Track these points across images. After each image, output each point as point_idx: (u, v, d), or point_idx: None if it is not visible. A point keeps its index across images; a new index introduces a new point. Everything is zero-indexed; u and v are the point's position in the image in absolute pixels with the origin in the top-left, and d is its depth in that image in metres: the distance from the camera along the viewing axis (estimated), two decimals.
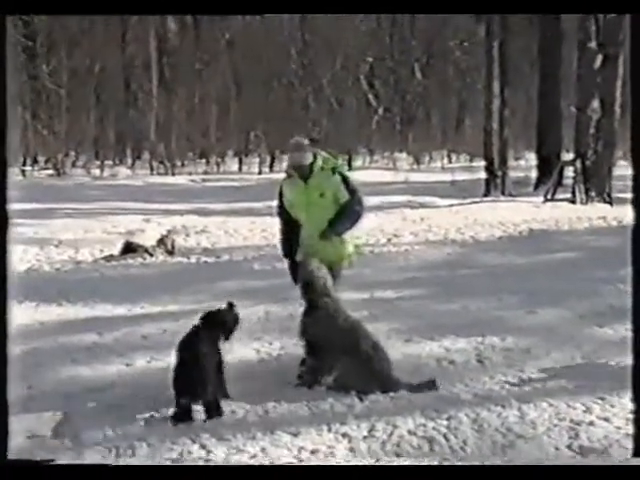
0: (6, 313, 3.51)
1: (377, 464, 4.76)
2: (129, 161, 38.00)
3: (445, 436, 5.18)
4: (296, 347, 7.23)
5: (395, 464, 4.75)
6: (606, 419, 5.40)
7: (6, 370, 3.48)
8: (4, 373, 3.48)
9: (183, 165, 35.58)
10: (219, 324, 5.87)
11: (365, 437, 5.18)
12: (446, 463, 4.76)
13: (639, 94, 3.74)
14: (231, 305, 6.01)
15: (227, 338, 5.91)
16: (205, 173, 33.74)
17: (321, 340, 6.14)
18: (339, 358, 6.03)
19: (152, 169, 34.40)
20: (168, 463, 4.77)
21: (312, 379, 6.14)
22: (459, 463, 4.74)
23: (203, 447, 5.01)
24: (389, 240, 13.46)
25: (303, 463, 4.78)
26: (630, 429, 5.20)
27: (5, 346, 3.48)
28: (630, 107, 3.82)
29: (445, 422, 5.39)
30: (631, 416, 5.41)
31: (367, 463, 4.78)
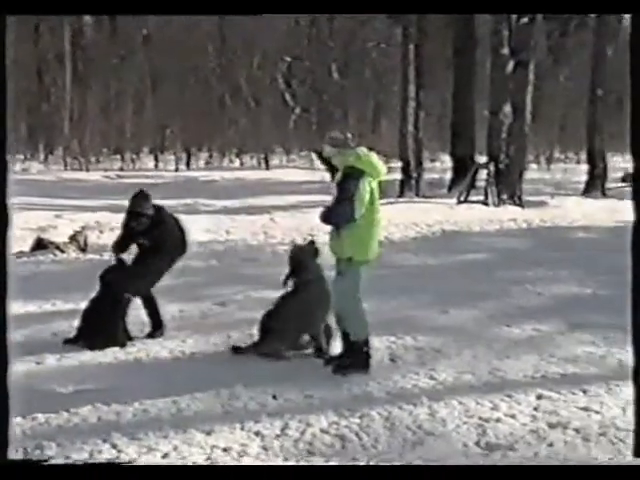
0: (6, 314, 3.43)
1: (315, 464, 4.77)
2: (41, 156, 37.21)
3: (357, 434, 5.24)
4: (208, 345, 7.24)
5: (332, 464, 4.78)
6: (512, 416, 5.54)
7: (6, 370, 3.41)
8: (4, 373, 3.40)
9: (98, 161, 35.02)
10: None
11: (278, 435, 5.20)
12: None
13: (639, 94, 3.86)
14: None
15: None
16: (120, 169, 33.28)
17: None
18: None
19: (66, 164, 33.76)
20: (169, 463, 4.73)
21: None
22: (451, 463, 4.77)
23: (114, 447, 4.95)
24: (304, 239, 13.49)
25: (292, 463, 4.76)
26: (535, 426, 5.37)
27: (6, 345, 3.40)
28: (630, 106, 3.95)
29: (357, 420, 5.45)
30: (536, 413, 5.60)
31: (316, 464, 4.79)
